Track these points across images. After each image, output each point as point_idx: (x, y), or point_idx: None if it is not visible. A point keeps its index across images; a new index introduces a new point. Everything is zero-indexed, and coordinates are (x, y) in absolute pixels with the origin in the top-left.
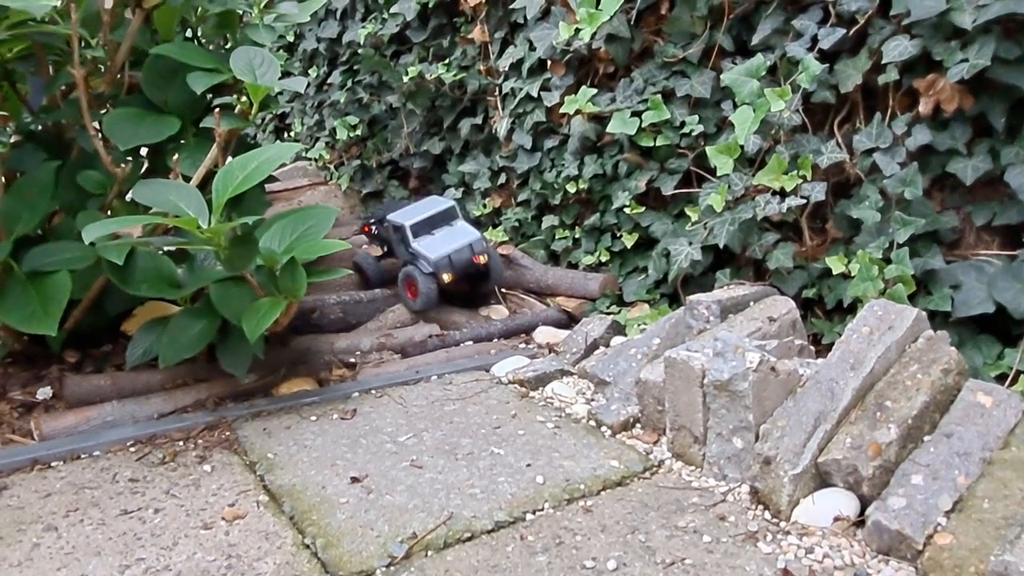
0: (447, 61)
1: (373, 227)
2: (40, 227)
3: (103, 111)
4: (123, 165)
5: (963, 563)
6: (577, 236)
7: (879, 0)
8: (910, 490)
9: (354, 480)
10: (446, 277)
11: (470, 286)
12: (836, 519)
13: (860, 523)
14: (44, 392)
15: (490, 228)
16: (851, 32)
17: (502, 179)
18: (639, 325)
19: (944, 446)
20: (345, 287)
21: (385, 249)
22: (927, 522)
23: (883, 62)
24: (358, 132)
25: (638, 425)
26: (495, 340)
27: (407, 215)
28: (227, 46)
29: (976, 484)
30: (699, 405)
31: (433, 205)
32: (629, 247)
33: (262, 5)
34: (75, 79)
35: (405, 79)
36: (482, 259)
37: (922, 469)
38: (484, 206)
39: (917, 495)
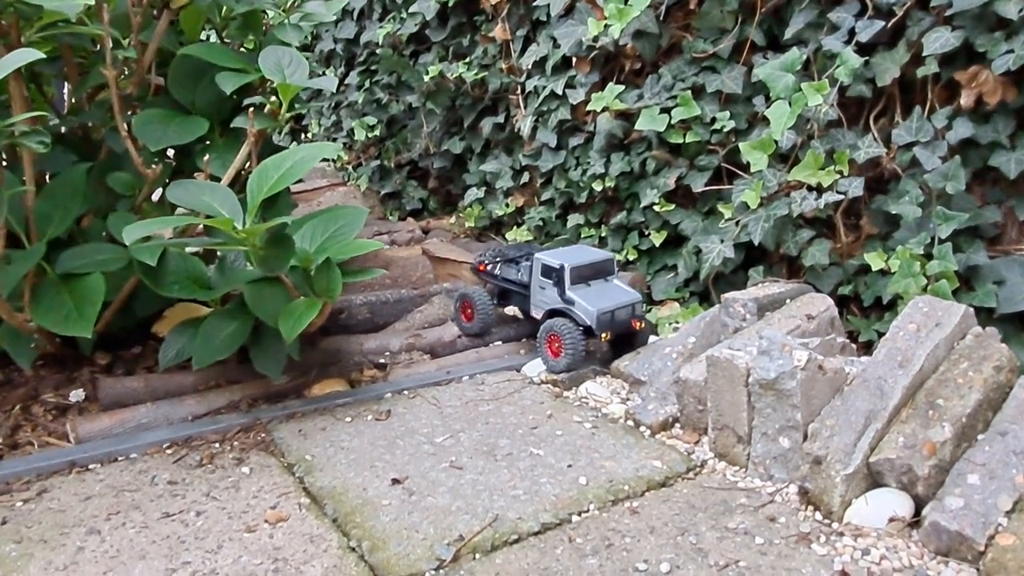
0: (468, 60)
1: (495, 268)
2: (70, 229)
3: (130, 112)
4: (153, 166)
5: None
6: (603, 235)
7: None
8: (967, 490)
9: (395, 482)
10: (603, 336)
11: (610, 346)
12: (891, 520)
13: (915, 524)
14: (77, 394)
15: (513, 228)
16: (889, 24)
17: (525, 178)
18: (671, 324)
19: (999, 444)
20: (371, 288)
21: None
22: (987, 522)
23: (924, 54)
24: (376, 132)
25: (677, 425)
26: (524, 340)
27: (563, 256)
28: (249, 47)
29: None
30: (743, 404)
31: (589, 252)
32: (657, 245)
33: (288, 5)
34: (107, 80)
35: (425, 79)
36: (639, 325)
37: (978, 468)
38: (507, 205)
39: (975, 495)
